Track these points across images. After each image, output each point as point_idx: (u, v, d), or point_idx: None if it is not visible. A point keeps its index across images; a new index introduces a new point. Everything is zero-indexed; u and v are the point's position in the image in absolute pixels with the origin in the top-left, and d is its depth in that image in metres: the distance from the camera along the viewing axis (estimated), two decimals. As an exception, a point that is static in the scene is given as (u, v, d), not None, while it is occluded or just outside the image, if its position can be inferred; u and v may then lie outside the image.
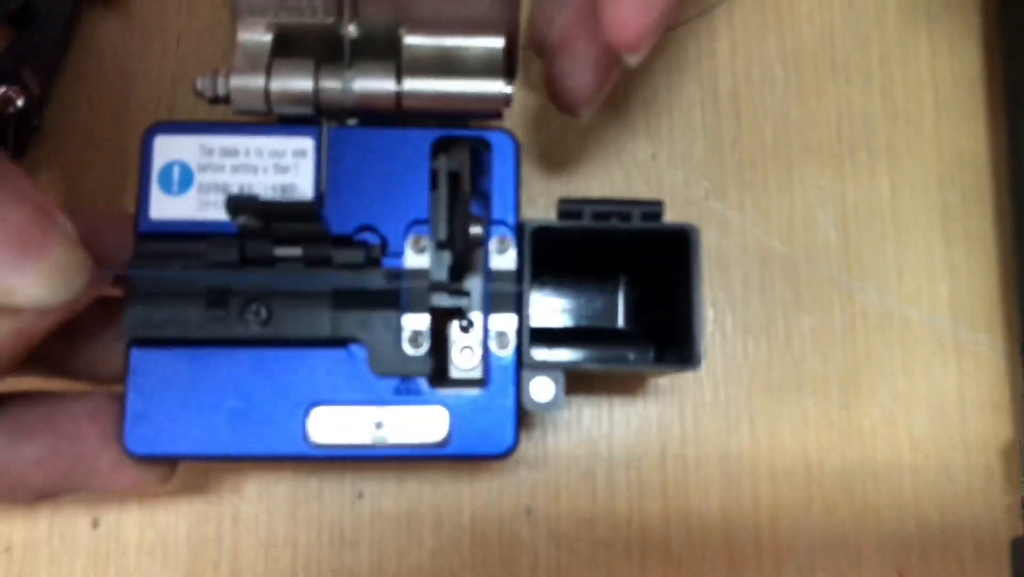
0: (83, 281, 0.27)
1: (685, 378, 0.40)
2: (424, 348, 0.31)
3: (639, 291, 0.39)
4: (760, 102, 0.42)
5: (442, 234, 0.32)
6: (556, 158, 0.41)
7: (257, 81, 0.31)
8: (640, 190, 0.41)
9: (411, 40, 0.33)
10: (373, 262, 0.32)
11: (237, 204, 0.29)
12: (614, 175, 0.41)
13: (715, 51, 0.43)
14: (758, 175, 0.42)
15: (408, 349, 0.31)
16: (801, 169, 0.42)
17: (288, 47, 0.33)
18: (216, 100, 0.32)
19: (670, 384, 0.40)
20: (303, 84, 0.32)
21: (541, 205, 0.41)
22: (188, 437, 0.31)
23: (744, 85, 0.42)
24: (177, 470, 0.33)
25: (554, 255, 0.35)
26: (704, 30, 0.43)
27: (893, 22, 0.43)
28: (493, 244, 0.32)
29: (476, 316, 0.35)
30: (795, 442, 0.40)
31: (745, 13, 0.43)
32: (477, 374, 0.35)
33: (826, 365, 0.41)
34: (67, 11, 0.40)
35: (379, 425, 0.31)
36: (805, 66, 0.43)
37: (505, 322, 0.32)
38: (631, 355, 0.39)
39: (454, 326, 0.35)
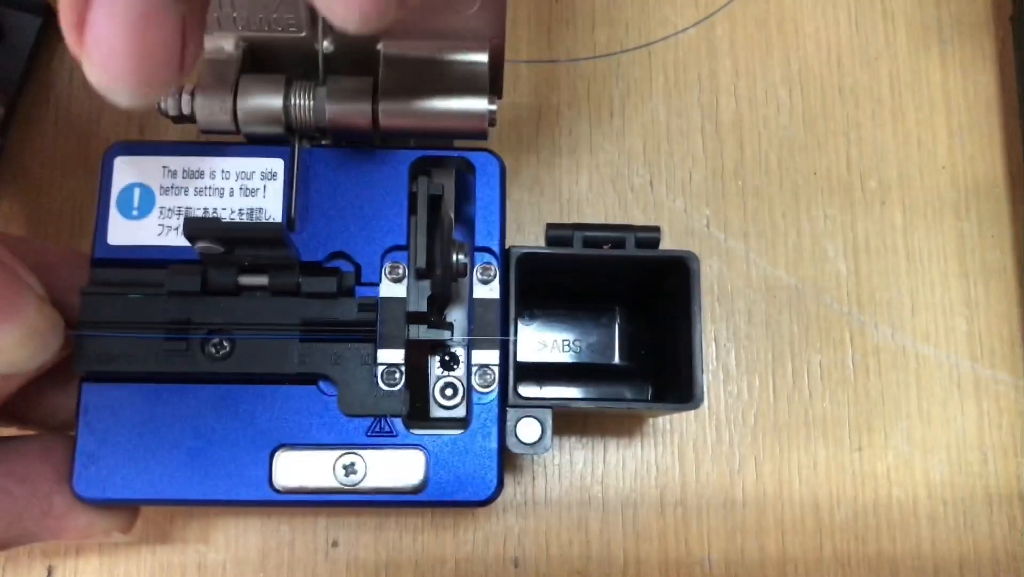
0: (58, 342, 0.26)
1: (685, 418, 0.37)
2: (399, 385, 0.29)
3: (636, 324, 0.37)
4: (764, 127, 0.40)
5: (421, 261, 0.30)
6: (547, 183, 0.39)
7: (224, 99, 0.29)
8: (637, 218, 0.39)
9: (389, 54, 0.30)
10: (346, 291, 0.29)
11: (195, 228, 0.26)
12: (609, 202, 0.39)
13: (716, 72, 0.41)
14: (763, 203, 0.39)
15: (382, 386, 0.29)
16: (808, 197, 0.40)
17: (258, 63, 0.31)
18: (181, 119, 0.30)
19: (669, 424, 0.37)
20: (273, 101, 0.30)
21: (530, 234, 0.39)
22: (143, 480, 0.28)
23: (747, 109, 0.40)
24: (138, 517, 0.31)
25: (544, 285, 0.32)
26: (704, 50, 0.41)
27: (903, 45, 0.41)
28: (477, 272, 0.30)
29: (460, 351, 0.33)
30: (804, 488, 0.37)
31: (748, 33, 0.41)
32: (461, 413, 0.32)
33: (837, 406, 0.38)
34: (36, 29, 0.38)
35: (350, 469, 0.29)
36: (811, 90, 0.41)
37: (488, 358, 0.29)
38: (627, 393, 0.36)
39: (435, 362, 0.33)
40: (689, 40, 0.41)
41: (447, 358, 0.33)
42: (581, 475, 0.37)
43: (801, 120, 0.40)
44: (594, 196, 0.39)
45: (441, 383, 0.33)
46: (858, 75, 0.41)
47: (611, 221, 0.39)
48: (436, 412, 0.32)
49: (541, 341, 0.37)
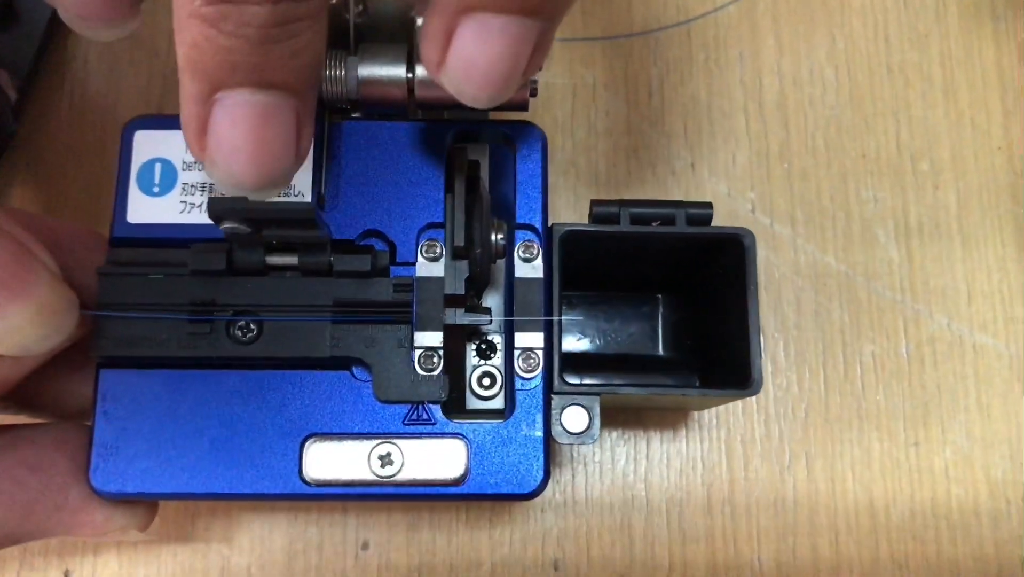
0: (71, 323, 0.25)
1: (733, 412, 0.35)
2: (438, 369, 0.27)
3: (680, 313, 0.35)
4: (810, 107, 0.38)
5: (459, 240, 0.28)
6: (583, 167, 0.37)
7: (250, 67, 0.28)
8: (678, 202, 0.37)
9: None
10: (380, 271, 0.28)
11: (220, 208, 0.25)
12: (648, 186, 0.37)
13: (759, 51, 0.39)
14: (810, 186, 0.38)
15: (420, 371, 0.27)
16: (857, 180, 0.38)
17: (286, 30, 0.29)
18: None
19: (716, 418, 0.35)
20: (302, 70, 0.28)
21: (566, 219, 0.37)
22: (165, 473, 0.27)
23: (792, 88, 0.39)
24: (158, 514, 0.29)
25: (582, 270, 0.30)
26: (746, 27, 0.39)
27: (954, 21, 0.40)
28: (518, 251, 0.28)
29: (497, 338, 0.31)
30: (858, 485, 0.35)
31: (790, 9, 0.39)
32: (498, 404, 0.30)
33: (891, 398, 0.36)
34: (49, 10, 0.37)
35: (385, 459, 0.27)
36: (858, 68, 0.39)
37: (532, 341, 0.28)
38: (672, 384, 0.34)
39: (470, 350, 0.31)
40: (729, 17, 0.39)
41: (483, 346, 0.31)
42: (623, 473, 0.35)
43: (848, 100, 0.39)
44: (633, 180, 0.37)
45: (478, 372, 0.31)
46: (907, 53, 0.39)
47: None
48: (472, 403, 0.31)
49: (579, 331, 0.35)
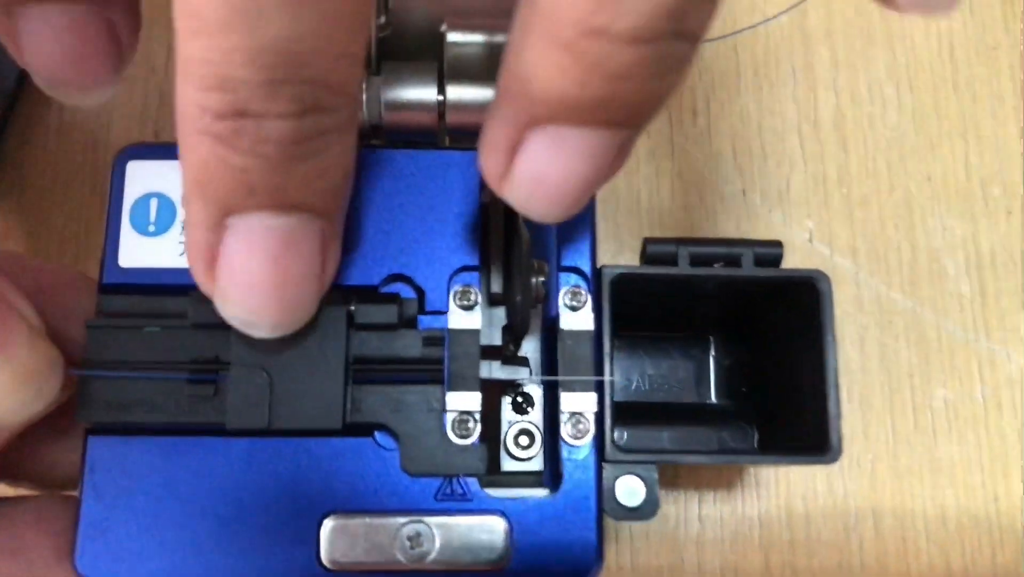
0: (55, 386, 0.21)
1: (791, 467, 0.32)
2: (474, 436, 0.24)
3: (734, 356, 0.31)
4: (869, 127, 0.35)
5: (497, 285, 0.25)
6: (623, 193, 0.34)
7: (259, 89, 0.24)
8: (728, 231, 0.34)
9: (456, 37, 0.25)
10: (407, 322, 0.24)
11: None
12: (695, 213, 0.34)
13: (812, 65, 0.36)
14: (872, 213, 0.34)
15: (454, 438, 0.24)
16: (923, 207, 0.34)
17: (299, 47, 0.25)
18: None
19: (773, 474, 0.32)
20: (318, 93, 0.24)
21: (604, 252, 0.34)
22: (162, 557, 0.23)
23: (849, 106, 0.35)
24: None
25: (626, 311, 0.27)
26: (797, 40, 0.36)
27: (1025, 32, 0.36)
28: (564, 298, 0.25)
29: (534, 391, 0.28)
30: (933, 546, 0.32)
31: (846, 20, 0.36)
32: (536, 465, 0.27)
33: (966, 448, 0.33)
34: (38, 22, 0.33)
35: (415, 541, 0.23)
36: (921, 84, 0.36)
37: (582, 404, 0.24)
38: (727, 438, 0.31)
39: (505, 402, 0.28)
40: (780, 29, 0.36)
41: (519, 400, 0.28)
42: (672, 535, 0.31)
43: (911, 119, 0.35)
44: (678, 207, 0.34)
45: (515, 430, 0.27)
46: (974, 67, 0.36)
47: (700, 235, 0.33)
48: (507, 464, 0.27)
49: (622, 376, 0.32)
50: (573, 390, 0.24)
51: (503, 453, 0.27)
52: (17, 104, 0.34)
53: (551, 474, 0.27)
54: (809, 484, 0.32)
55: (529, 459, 0.27)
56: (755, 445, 0.30)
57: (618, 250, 0.32)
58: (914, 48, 0.36)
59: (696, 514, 0.32)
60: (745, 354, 0.31)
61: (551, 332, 0.29)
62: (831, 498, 0.32)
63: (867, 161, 0.35)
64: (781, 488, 0.32)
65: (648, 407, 0.31)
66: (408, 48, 0.26)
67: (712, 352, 0.32)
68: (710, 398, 0.31)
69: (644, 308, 0.29)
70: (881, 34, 0.36)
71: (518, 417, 0.28)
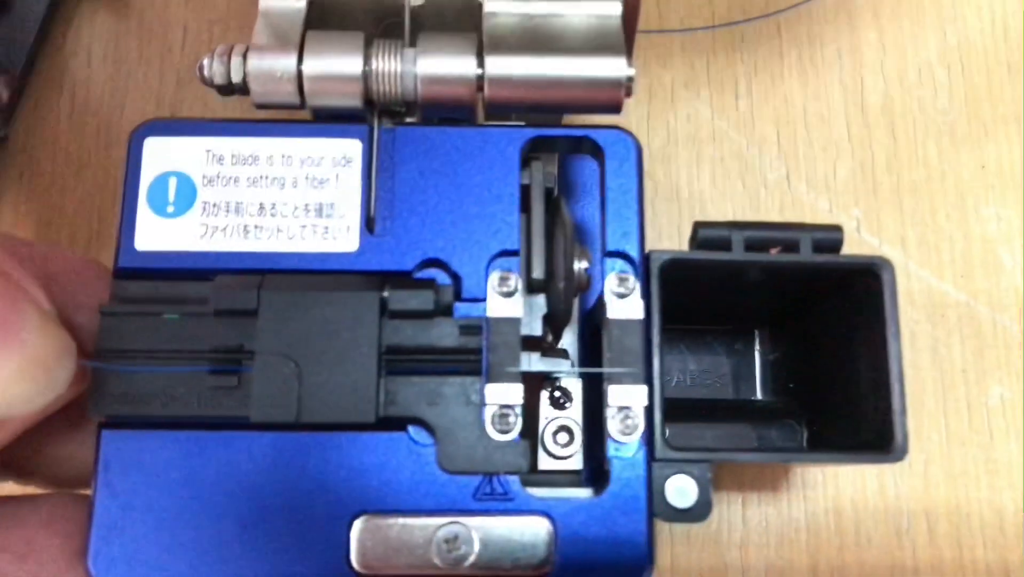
0: (66, 376, 0.20)
1: (840, 467, 0.30)
2: (515, 431, 0.22)
3: (782, 350, 0.30)
4: (920, 111, 0.33)
5: (538, 271, 0.23)
6: (662, 179, 0.32)
7: (286, 62, 0.23)
8: (771, 219, 0.32)
9: (495, 7, 0.24)
10: (443, 310, 0.23)
11: None
12: (738, 200, 0.32)
13: (859, 48, 0.34)
14: (922, 202, 0.33)
15: (494, 434, 0.22)
16: (977, 195, 0.33)
17: (328, 17, 0.24)
18: (230, 89, 0.24)
19: (821, 475, 0.30)
20: (349, 66, 0.23)
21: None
22: (180, 559, 0.22)
23: (898, 91, 0.34)
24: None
25: (668, 303, 0.25)
26: (843, 21, 0.34)
27: (1083, 11, 0.35)
28: (611, 284, 0.23)
29: (573, 385, 0.26)
30: (990, 552, 0.30)
31: (894, 0, 0.34)
32: (575, 464, 0.26)
33: (1024, 449, 0.31)
34: (47, 1, 0.32)
35: (453, 544, 0.22)
36: (974, 67, 0.34)
37: (631, 398, 0.22)
38: (773, 436, 0.29)
39: (543, 398, 0.26)
40: (824, 9, 0.34)
41: (557, 394, 0.27)
42: (715, 539, 0.30)
43: (963, 103, 0.34)
44: (719, 194, 0.32)
45: (553, 426, 0.26)
46: (1030, 49, 0.34)
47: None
48: (545, 463, 0.26)
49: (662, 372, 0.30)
50: (621, 383, 0.22)
51: (540, 451, 0.26)
52: (27, 88, 0.32)
53: (591, 473, 0.26)
54: (859, 485, 0.30)
55: (568, 457, 0.26)
56: (803, 444, 0.28)
57: (656, 239, 0.31)
58: (966, 29, 0.34)
59: (740, 516, 0.30)
60: (793, 348, 0.29)
61: (591, 323, 0.27)
62: (882, 500, 0.30)
63: (917, 147, 0.33)
64: (829, 489, 0.30)
65: (690, 404, 0.30)
66: (445, 18, 0.24)
67: (757, 346, 0.30)
68: (755, 394, 0.30)
69: (687, 299, 0.27)
70: (931, 14, 0.34)
71: (556, 413, 0.26)
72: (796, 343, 0.29)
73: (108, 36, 0.33)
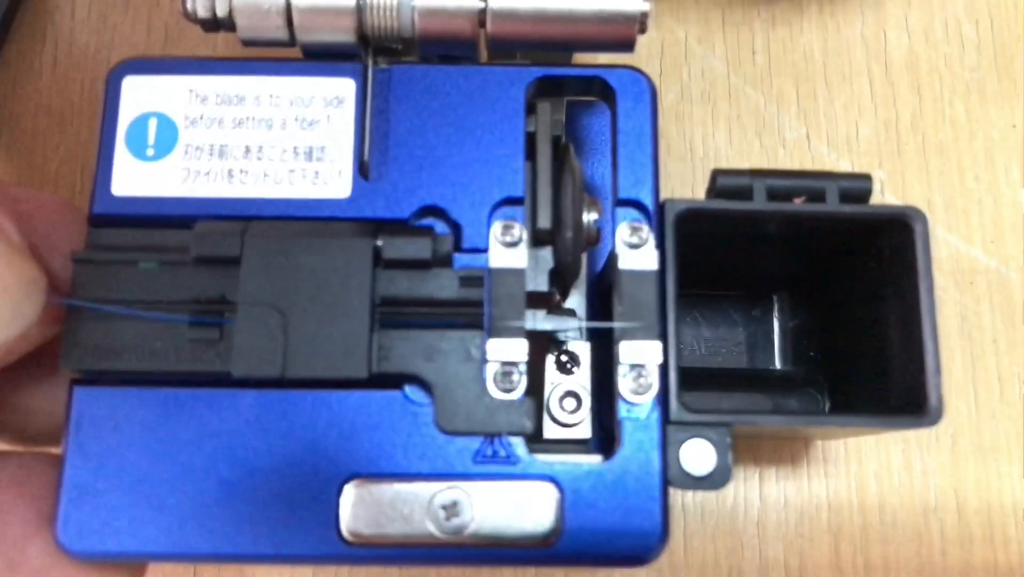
0: (35, 309, 0.19)
1: (863, 440, 0.29)
2: (519, 390, 0.20)
3: (802, 316, 0.28)
4: (946, 68, 0.32)
5: (544, 220, 0.22)
6: (674, 138, 0.31)
7: (273, -7, 0.21)
8: (790, 182, 0.30)
9: (499, -63, 0.22)
10: (442, 260, 0.21)
11: None
12: (755, 160, 0.31)
13: (882, 2, 0.32)
14: (949, 163, 0.31)
15: (496, 392, 0.20)
16: (1007, 157, 0.31)
17: (319, -53, 0.22)
18: (214, 24, 0.22)
19: (843, 449, 0.29)
20: (341, -2, 0.21)
21: (654, 204, 0.30)
22: (156, 526, 0.20)
23: (923, 47, 0.32)
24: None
25: (681, 263, 0.24)
26: (867, -25, 0.32)
27: (1118, -34, 0.33)
28: (623, 234, 0.22)
29: (580, 347, 0.25)
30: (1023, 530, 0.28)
31: (919, -46, 0.33)
32: (584, 433, 0.24)
33: (1058, 423, 0.29)
34: (29, -54, 0.31)
35: (451, 510, 0.20)
36: (1002, 21, 0.32)
37: (644, 354, 0.21)
38: (793, 405, 0.27)
39: (548, 362, 0.25)
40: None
41: (564, 358, 0.25)
42: (731, 516, 0.28)
43: (992, 60, 0.32)
44: (735, 153, 0.31)
45: (559, 391, 0.24)
46: (1063, 4, 0.32)
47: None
48: (550, 431, 0.24)
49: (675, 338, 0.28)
50: (634, 338, 0.21)
51: (546, 418, 0.24)
52: (6, 38, 0.31)
53: (600, 442, 0.24)
54: (883, 460, 0.29)
55: (575, 424, 0.24)
56: (826, 412, 0.27)
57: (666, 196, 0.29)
58: (994, -17, 0.33)
59: (757, 493, 0.28)
60: (814, 314, 0.28)
61: (600, 284, 0.25)
62: (908, 477, 0.28)
63: (943, 106, 0.31)
64: (852, 464, 0.28)
65: (706, 373, 0.28)
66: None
67: (776, 313, 0.28)
68: (774, 364, 0.28)
69: (701, 260, 0.25)
70: (958, -33, 0.33)
71: (563, 377, 0.25)
72: (817, 308, 0.28)
73: (92, -16, 0.31)
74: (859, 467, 0.28)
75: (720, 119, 0.31)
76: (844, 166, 0.31)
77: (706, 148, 0.31)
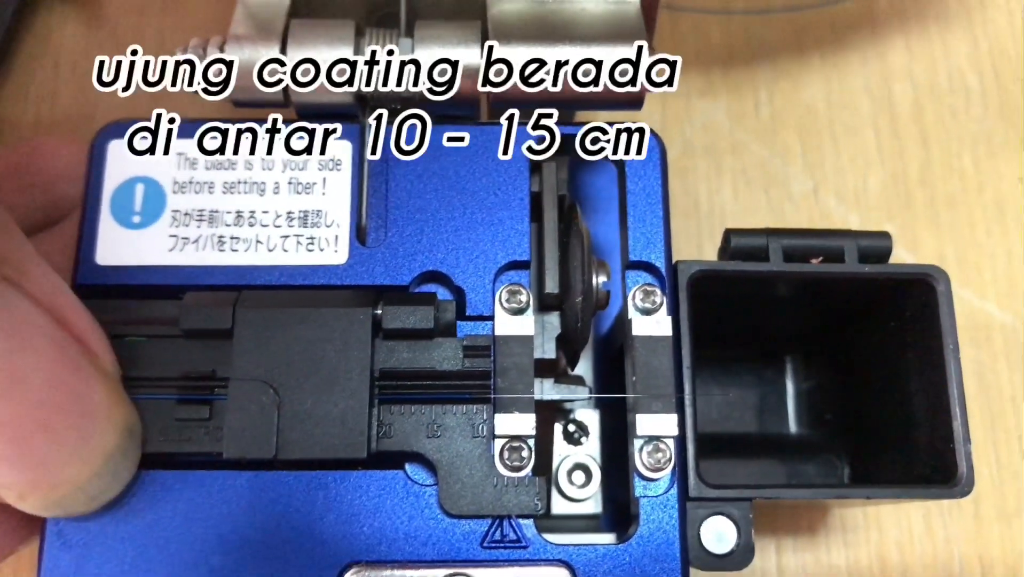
0: (130, 470, 0.19)
1: (883, 507, 0.27)
2: (528, 467, 0.19)
3: (817, 378, 0.27)
4: (953, 120, 0.31)
5: (552, 285, 0.21)
6: (678, 192, 0.30)
7: (268, 52, 0.20)
8: (798, 238, 0.29)
9: (500, -7, 0.22)
10: (445, 329, 0.20)
11: None
12: (763, 215, 0.30)
13: (885, 54, 0.32)
14: (959, 217, 0.30)
15: (504, 470, 0.19)
16: (1018, 209, 0.30)
17: (314, 6, 0.22)
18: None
19: (862, 517, 0.27)
20: (338, 56, 0.20)
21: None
22: (141, 620, 0.18)
23: (928, 98, 0.31)
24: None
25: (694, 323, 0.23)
26: (866, 24, 0.32)
27: (1121, 14, 0.32)
28: (635, 298, 0.21)
29: (589, 417, 0.24)
30: (1052, 601, 0.27)
31: (919, 4, 0.32)
32: (593, 508, 0.23)
33: (1082, 484, 0.28)
34: (14, 5, 0.30)
35: (458, 599, 0.19)
36: (1007, 73, 0.32)
37: (661, 427, 0.20)
38: (811, 472, 0.26)
39: (556, 433, 0.24)
40: (847, 13, 0.32)
41: (572, 428, 0.24)
42: (748, 588, 0.27)
43: (999, 112, 0.31)
44: (742, 208, 0.30)
45: (568, 464, 0.23)
46: (1066, 54, 0.32)
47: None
48: (559, 506, 0.23)
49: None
50: (650, 410, 0.20)
51: (553, 492, 0.23)
52: (8, 58, 0.30)
53: (610, 518, 0.23)
54: (904, 527, 0.27)
55: (585, 500, 0.23)
56: (844, 480, 0.26)
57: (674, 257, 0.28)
58: (997, 34, 0.32)
59: (775, 563, 0.27)
60: (829, 375, 0.27)
61: (609, 348, 0.24)
62: (931, 544, 0.27)
63: (951, 158, 0.31)
64: (872, 532, 0.27)
65: (719, 439, 0.27)
66: (443, 7, 0.22)
67: (789, 375, 0.27)
68: (788, 427, 0.27)
69: (711, 320, 0.24)
70: (959, 19, 0.32)
71: (571, 448, 0.24)
72: (832, 369, 0.26)
73: (78, 46, 0.30)
74: (880, 535, 0.27)
75: (725, 174, 0.30)
76: (854, 220, 0.30)
77: (711, 204, 0.30)
